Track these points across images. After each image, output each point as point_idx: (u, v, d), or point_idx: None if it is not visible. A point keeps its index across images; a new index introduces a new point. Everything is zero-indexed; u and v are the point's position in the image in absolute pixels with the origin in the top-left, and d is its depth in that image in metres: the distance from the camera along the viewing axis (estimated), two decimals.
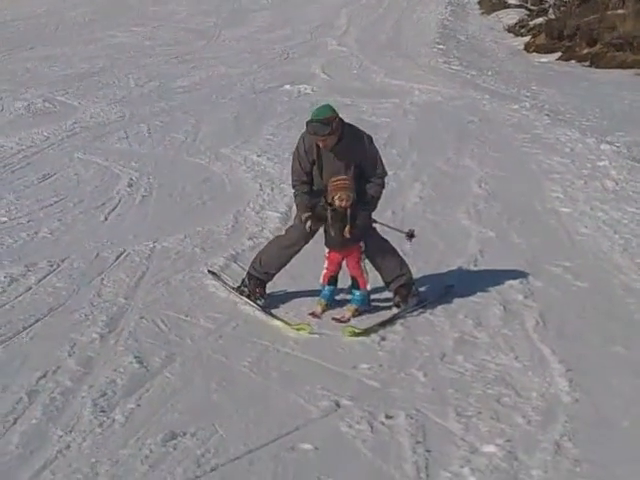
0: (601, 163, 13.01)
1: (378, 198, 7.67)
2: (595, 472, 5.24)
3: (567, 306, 7.78)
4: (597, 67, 24.66)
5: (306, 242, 7.65)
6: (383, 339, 7.05)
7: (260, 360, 6.58)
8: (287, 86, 19.98)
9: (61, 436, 5.48)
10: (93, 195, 11.21)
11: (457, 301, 7.72)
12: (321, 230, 7.53)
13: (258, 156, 13.39)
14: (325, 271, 7.65)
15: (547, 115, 16.97)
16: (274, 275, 7.87)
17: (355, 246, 7.53)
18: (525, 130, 15.57)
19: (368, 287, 7.61)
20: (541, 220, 10.48)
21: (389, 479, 5.15)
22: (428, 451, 5.41)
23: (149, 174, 12.24)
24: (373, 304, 7.70)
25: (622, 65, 24.14)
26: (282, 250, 7.77)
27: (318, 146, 7.41)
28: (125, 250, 8.97)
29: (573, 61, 25.92)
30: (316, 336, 7.08)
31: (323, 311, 7.55)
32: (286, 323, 7.24)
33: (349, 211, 7.34)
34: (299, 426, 5.68)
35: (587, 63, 25.33)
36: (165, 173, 12.36)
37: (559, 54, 26.81)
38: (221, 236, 9.61)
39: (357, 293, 7.62)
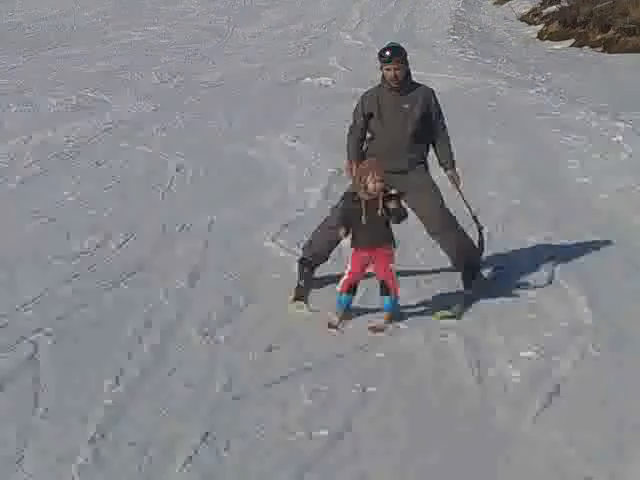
0: (615, 138, 13.96)
1: (452, 149, 7.72)
2: (614, 369, 6.34)
3: (587, 256, 8.74)
4: (610, 52, 24.94)
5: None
6: (428, 282, 8.04)
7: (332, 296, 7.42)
8: (308, 79, 20.73)
9: (179, 350, 6.69)
10: (146, 178, 12.18)
11: (491, 252, 8.54)
12: None
13: (292, 142, 14.33)
14: (347, 277, 7.13)
15: (562, 98, 17.84)
16: (324, 257, 7.78)
17: (385, 243, 7.07)
18: (542, 112, 16.46)
19: (399, 292, 7.12)
20: (561, 189, 11.43)
21: (448, 375, 6.28)
22: (478, 356, 6.53)
23: (193, 160, 13.17)
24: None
25: (635, 50, 24.55)
26: (328, 231, 7.56)
27: (378, 99, 7.50)
28: (187, 223, 9.96)
29: (586, 47, 26.18)
30: None
31: (341, 321, 7.10)
32: (298, 307, 7.49)
33: (382, 194, 6.96)
34: (370, 341, 6.80)
35: (600, 49, 25.59)
36: (208, 158, 13.29)
37: (572, 41, 27.12)
38: (270, 209, 10.58)
39: (387, 300, 7.06)
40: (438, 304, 7.48)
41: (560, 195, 11.13)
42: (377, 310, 7.20)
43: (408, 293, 7.55)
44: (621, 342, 6.79)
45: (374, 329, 6.94)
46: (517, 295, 7.67)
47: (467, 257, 7.72)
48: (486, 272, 8.00)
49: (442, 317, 7.13)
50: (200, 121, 16.32)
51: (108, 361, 6.46)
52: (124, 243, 9.23)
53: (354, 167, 7.54)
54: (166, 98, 18.77)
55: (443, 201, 7.62)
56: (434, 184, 7.65)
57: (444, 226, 7.58)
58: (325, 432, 5.45)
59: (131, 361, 6.45)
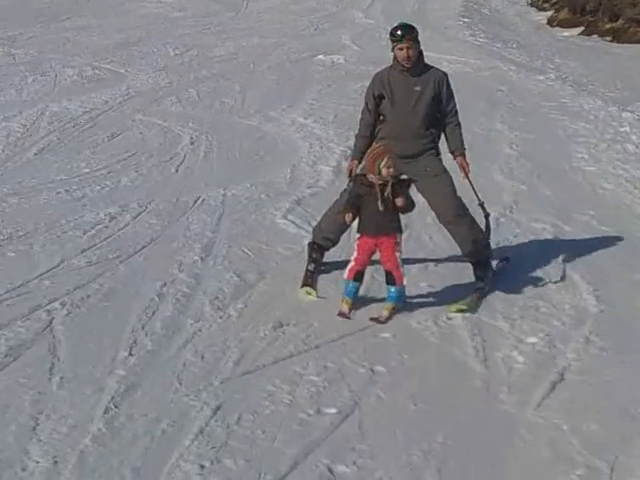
0: (622, 129, 14.08)
1: (462, 136, 7.63)
2: (617, 357, 6.50)
3: (593, 245, 8.88)
4: (619, 42, 24.94)
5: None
6: (436, 265, 8.19)
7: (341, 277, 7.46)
8: (320, 56, 20.82)
9: (192, 324, 6.81)
10: (160, 151, 12.34)
11: (497, 238, 8.68)
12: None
13: (304, 119, 14.47)
14: (353, 264, 7.01)
15: (571, 86, 17.94)
16: (334, 241, 7.69)
17: (392, 231, 6.94)
18: (551, 99, 16.58)
19: (405, 282, 7.00)
20: (568, 177, 11.58)
21: (454, 357, 6.44)
22: (483, 340, 6.68)
23: (207, 133, 13.33)
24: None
25: None
26: (337, 215, 7.39)
27: (389, 81, 7.39)
28: (200, 196, 10.12)
29: (595, 36, 26.21)
30: None
31: (351, 309, 7.00)
32: (307, 292, 7.43)
33: (393, 181, 6.88)
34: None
35: (609, 38, 25.61)
36: (221, 133, 13.44)
37: (582, 29, 27.16)
38: (282, 185, 10.76)
39: (392, 289, 6.94)
40: (446, 288, 7.64)
41: (567, 183, 11.27)
42: (383, 299, 7.17)
43: (417, 274, 7.71)
44: (625, 332, 6.94)
45: (376, 320, 6.87)
46: (523, 282, 7.80)
47: (479, 248, 7.63)
48: (493, 261, 8.05)
49: (457, 310, 7.07)
50: (214, 95, 16.45)
51: (122, 332, 6.62)
52: (139, 215, 9.39)
53: (354, 167, 7.49)
54: (181, 71, 18.88)
55: (455, 189, 7.54)
56: (446, 170, 7.56)
57: (457, 215, 7.48)
58: (333, 410, 5.61)
59: (144, 333, 6.61)
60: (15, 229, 8.87)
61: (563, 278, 7.94)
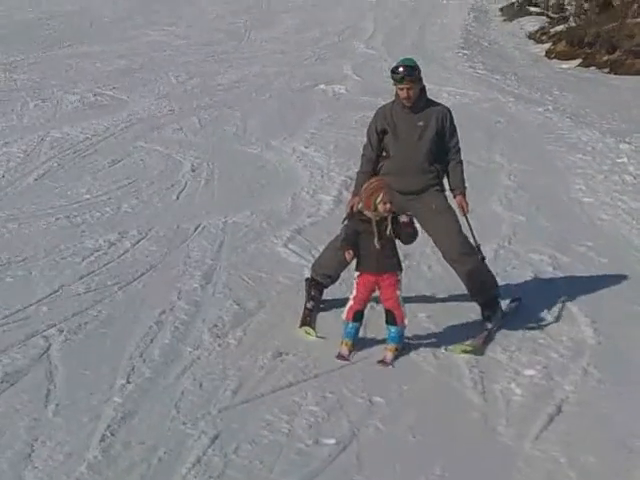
0: (620, 160, 14.12)
1: (463, 174, 7.56)
2: (615, 389, 6.50)
3: (591, 276, 8.91)
4: (616, 74, 24.95)
5: None
6: (434, 294, 8.18)
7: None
8: (322, 86, 20.85)
9: (190, 351, 6.82)
10: (161, 178, 12.36)
11: (496, 270, 8.66)
12: None
13: (305, 148, 14.49)
14: (352, 303, 6.81)
15: (569, 118, 17.99)
16: (333, 278, 7.56)
17: (393, 268, 6.78)
18: (549, 130, 16.63)
19: (406, 322, 6.82)
20: (566, 208, 11.60)
21: (452, 388, 6.45)
22: (481, 372, 6.69)
23: (208, 161, 13.35)
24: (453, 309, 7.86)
25: None
26: (337, 252, 7.19)
27: (392, 115, 7.34)
28: (201, 223, 10.14)
29: (593, 68, 26.22)
30: None
31: (351, 352, 6.82)
32: (306, 332, 7.27)
33: (390, 216, 6.70)
34: (377, 352, 6.93)
35: (607, 70, 25.60)
36: (223, 161, 13.46)
37: (579, 61, 27.14)
38: (282, 214, 10.77)
39: (393, 330, 6.76)
40: (445, 319, 7.63)
41: (565, 214, 11.28)
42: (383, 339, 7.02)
43: (415, 305, 7.71)
44: (623, 364, 6.95)
45: (382, 363, 6.71)
46: (521, 313, 7.81)
47: (486, 287, 7.50)
48: (503, 302, 7.90)
49: (461, 352, 6.92)
50: (216, 123, 16.49)
51: (120, 360, 6.62)
52: (138, 242, 9.40)
53: (355, 204, 7.23)
54: (183, 98, 18.92)
55: (461, 226, 7.42)
56: (450, 207, 7.47)
57: (463, 253, 7.36)
58: (332, 440, 5.61)
59: (142, 360, 6.61)
60: (14, 254, 8.89)
61: (561, 310, 7.93)
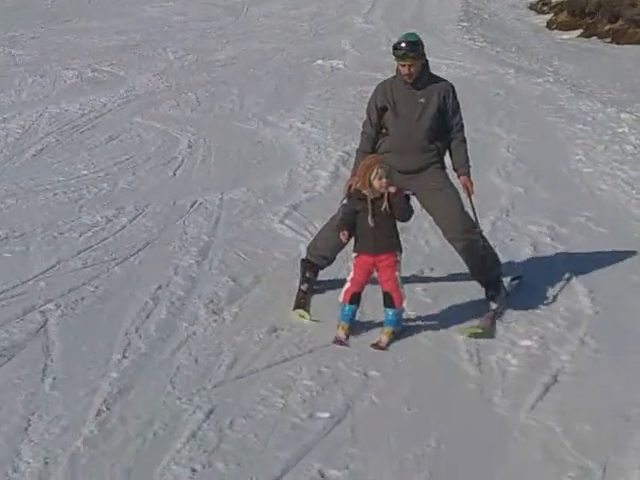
0: (620, 130, 14.10)
1: (467, 153, 7.32)
2: (611, 359, 6.51)
3: (589, 247, 8.89)
4: (618, 43, 24.89)
5: None
6: (432, 269, 8.17)
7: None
8: (320, 61, 20.77)
9: (186, 327, 6.81)
10: (158, 154, 12.33)
11: (494, 242, 8.66)
12: None
13: (302, 123, 14.44)
14: (349, 285, 6.64)
15: (569, 88, 17.94)
16: (329, 259, 7.41)
17: (392, 248, 6.60)
18: (549, 102, 16.58)
19: (404, 304, 6.65)
20: (565, 179, 11.58)
21: (448, 360, 6.46)
22: (477, 343, 6.69)
23: (205, 137, 13.32)
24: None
25: None
26: (333, 233, 7.05)
27: (392, 91, 7.14)
28: (197, 200, 10.11)
29: (594, 38, 26.18)
30: None
31: (348, 335, 6.64)
32: (300, 315, 7.09)
33: (390, 191, 6.48)
34: (372, 325, 6.91)
35: (608, 39, 25.56)
36: (219, 137, 13.42)
37: (581, 31, 27.15)
38: (279, 190, 10.74)
39: (390, 312, 6.57)
40: (441, 293, 7.63)
41: (564, 185, 11.27)
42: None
43: (412, 279, 7.70)
44: (620, 334, 6.94)
45: (377, 346, 6.53)
46: (518, 285, 7.78)
47: (489, 267, 7.34)
48: (505, 279, 7.74)
49: (471, 334, 6.73)
50: (213, 99, 16.43)
51: (116, 335, 6.62)
52: (135, 218, 9.39)
53: (354, 184, 6.86)
54: (180, 74, 18.86)
55: (463, 204, 7.22)
56: (452, 185, 7.26)
57: (464, 232, 7.14)
58: (326, 414, 5.60)
59: (138, 335, 6.61)
60: (11, 230, 8.87)
61: (559, 280, 7.92)
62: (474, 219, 7.32)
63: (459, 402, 5.85)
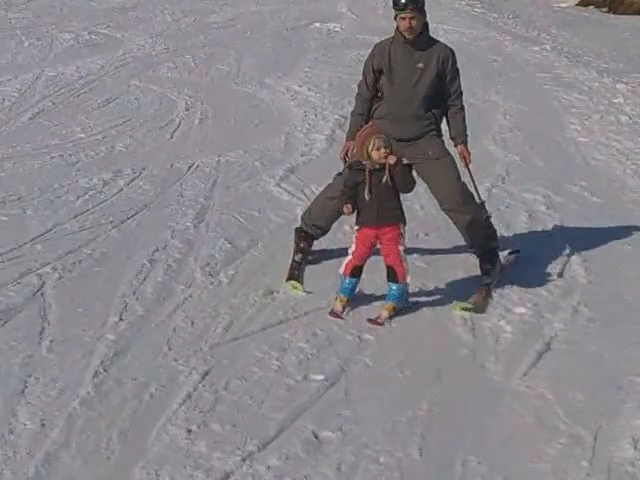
0: (616, 100, 14.14)
1: (465, 122, 7.05)
2: (604, 327, 6.53)
3: (584, 216, 8.93)
4: (615, 13, 25.08)
5: None
6: (427, 234, 8.21)
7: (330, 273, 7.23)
8: (317, 24, 20.83)
9: (183, 289, 6.85)
10: (155, 117, 12.36)
11: (489, 209, 8.66)
12: None
13: (299, 86, 14.49)
14: (350, 258, 6.42)
15: (566, 57, 17.96)
16: (324, 229, 7.21)
17: (395, 221, 6.38)
18: (546, 70, 16.60)
19: (408, 279, 6.42)
20: (561, 148, 11.63)
21: (442, 325, 6.49)
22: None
23: (202, 100, 13.35)
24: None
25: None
26: (328, 202, 6.94)
27: (390, 54, 6.83)
28: (194, 162, 10.16)
29: (592, 6, 26.31)
30: None
31: (345, 308, 6.46)
32: (293, 286, 6.93)
33: (391, 162, 6.25)
34: (368, 290, 6.89)
35: (605, 9, 25.75)
36: (217, 99, 13.46)
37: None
38: (276, 153, 10.79)
39: (394, 287, 6.36)
40: (435, 257, 7.67)
41: (559, 154, 11.32)
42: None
43: (407, 244, 7.64)
44: (613, 303, 6.97)
45: (374, 322, 6.34)
46: (512, 252, 7.82)
47: (485, 239, 7.13)
48: (501, 253, 7.57)
49: (462, 309, 6.58)
50: (210, 61, 16.47)
51: (113, 297, 6.66)
52: (132, 181, 9.43)
53: (350, 150, 6.86)
54: (178, 37, 18.90)
55: (459, 174, 6.99)
56: (449, 153, 7.00)
57: (460, 202, 6.92)
58: (321, 376, 5.64)
59: (135, 298, 6.65)
60: (8, 193, 8.90)
61: (553, 248, 7.96)
62: (473, 189, 7.17)
63: (452, 367, 5.90)
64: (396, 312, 6.44)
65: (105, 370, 5.61)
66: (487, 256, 7.16)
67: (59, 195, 8.87)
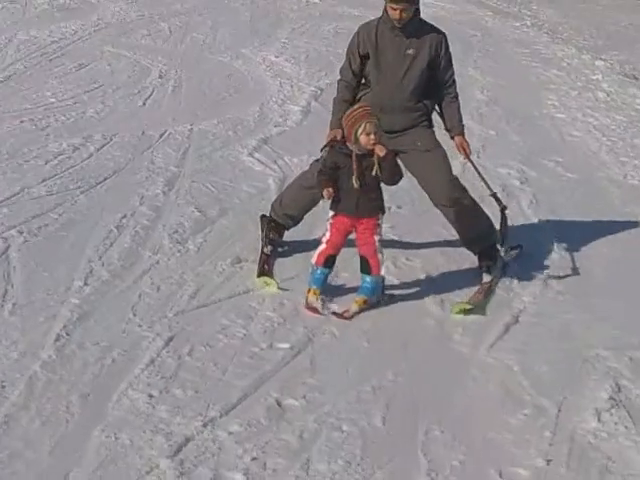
0: (594, 77, 14.14)
1: (460, 111, 6.63)
2: (573, 301, 6.54)
3: (557, 192, 8.92)
4: None
5: None
6: (399, 207, 8.13)
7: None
8: None
9: (150, 256, 6.78)
10: (128, 83, 12.25)
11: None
12: None
13: (276, 57, 14.40)
14: (324, 247, 6.03)
15: (546, 33, 17.94)
16: (296, 220, 6.80)
17: (374, 211, 5.98)
18: (525, 45, 16.58)
19: (382, 271, 6.04)
20: (537, 123, 11.61)
21: (410, 296, 6.47)
22: (440, 281, 6.72)
23: (176, 68, 13.25)
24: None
25: None
26: (303, 191, 6.57)
27: (377, 37, 6.31)
28: (167, 130, 10.06)
29: None
30: None
31: (323, 302, 6.07)
32: (266, 283, 6.43)
33: (378, 150, 5.80)
34: (338, 261, 6.68)
35: None
36: (191, 68, 13.36)
37: None
38: (250, 123, 10.70)
39: (367, 279, 5.97)
40: (407, 229, 7.63)
41: (535, 129, 11.29)
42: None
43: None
44: (583, 276, 6.98)
45: (341, 316, 5.97)
46: (514, 247, 7.71)
47: (482, 235, 6.72)
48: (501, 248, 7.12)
49: (461, 310, 6.12)
50: (185, 30, 16.36)
51: (79, 262, 6.58)
52: (102, 147, 9.33)
53: (338, 135, 6.24)
54: (154, 4, 18.73)
55: (450, 166, 6.59)
56: (439, 145, 6.56)
57: (453, 196, 6.50)
58: (286, 345, 5.59)
59: (101, 263, 6.57)
60: None
61: (525, 223, 7.93)
62: (484, 181, 6.87)
63: (419, 338, 5.86)
64: (369, 306, 6.07)
65: (68, 334, 5.54)
66: (485, 252, 6.77)
67: (28, 159, 8.77)
